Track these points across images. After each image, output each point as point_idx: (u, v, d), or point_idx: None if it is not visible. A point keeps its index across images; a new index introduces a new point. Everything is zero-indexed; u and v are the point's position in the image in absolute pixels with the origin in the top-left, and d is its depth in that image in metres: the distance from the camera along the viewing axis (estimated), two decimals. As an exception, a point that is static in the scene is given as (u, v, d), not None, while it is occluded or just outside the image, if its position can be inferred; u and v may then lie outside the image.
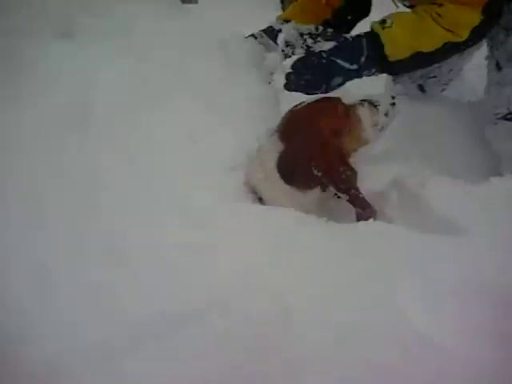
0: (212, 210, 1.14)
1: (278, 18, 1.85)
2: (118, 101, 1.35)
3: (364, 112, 1.40)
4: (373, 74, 1.49)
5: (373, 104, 1.41)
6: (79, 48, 1.48)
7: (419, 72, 1.88)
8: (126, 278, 0.97)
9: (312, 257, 1.05)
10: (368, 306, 0.94)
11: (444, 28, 1.40)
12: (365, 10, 1.86)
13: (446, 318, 0.92)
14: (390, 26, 1.43)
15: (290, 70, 1.46)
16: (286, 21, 1.79)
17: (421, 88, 1.91)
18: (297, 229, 1.15)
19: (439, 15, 1.41)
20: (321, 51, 1.47)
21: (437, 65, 1.85)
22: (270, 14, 2.17)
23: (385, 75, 1.73)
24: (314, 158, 1.26)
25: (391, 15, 1.47)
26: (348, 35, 1.52)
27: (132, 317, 0.92)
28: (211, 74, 1.54)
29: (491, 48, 1.71)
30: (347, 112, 1.38)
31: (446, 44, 1.41)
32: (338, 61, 1.43)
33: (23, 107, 1.31)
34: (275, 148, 1.32)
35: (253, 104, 1.52)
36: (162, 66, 1.51)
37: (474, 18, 1.41)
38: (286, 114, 1.41)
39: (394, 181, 1.31)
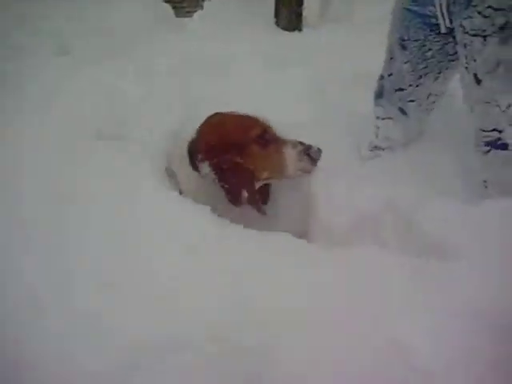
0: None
1: None
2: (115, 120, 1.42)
3: (290, 152, 1.47)
4: None
5: (306, 151, 1.47)
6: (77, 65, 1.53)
7: (397, 95, 1.77)
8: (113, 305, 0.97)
9: (305, 281, 1.05)
10: (366, 332, 0.93)
11: None
12: None
13: (444, 343, 0.91)
14: None
15: None
16: None
17: (402, 111, 1.84)
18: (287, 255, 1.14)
19: None
20: None
21: (411, 88, 1.77)
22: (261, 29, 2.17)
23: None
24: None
25: None
26: None
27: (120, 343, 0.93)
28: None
29: (466, 58, 1.50)
30: (271, 138, 1.46)
31: None
32: None
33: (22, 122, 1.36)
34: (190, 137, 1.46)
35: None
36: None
37: None
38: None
39: (387, 203, 1.30)
